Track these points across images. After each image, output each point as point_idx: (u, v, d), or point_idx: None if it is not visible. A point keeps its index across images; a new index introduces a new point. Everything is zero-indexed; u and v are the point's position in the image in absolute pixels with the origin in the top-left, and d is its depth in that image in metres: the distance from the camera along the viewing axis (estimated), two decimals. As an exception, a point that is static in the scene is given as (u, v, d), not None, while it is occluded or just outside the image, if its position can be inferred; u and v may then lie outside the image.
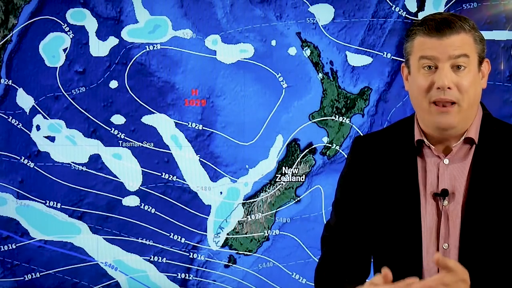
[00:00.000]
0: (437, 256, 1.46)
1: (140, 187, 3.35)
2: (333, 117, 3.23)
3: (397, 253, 1.69)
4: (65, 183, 3.37)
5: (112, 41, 3.32)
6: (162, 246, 3.36)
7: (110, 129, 3.34)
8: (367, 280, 1.78)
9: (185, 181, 3.33)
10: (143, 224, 3.36)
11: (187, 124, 3.31)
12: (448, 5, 3.10)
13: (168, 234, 3.35)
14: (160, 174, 3.33)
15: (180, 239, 3.34)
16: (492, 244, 1.62)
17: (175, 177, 3.33)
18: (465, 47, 1.60)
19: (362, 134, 2.86)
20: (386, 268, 1.48)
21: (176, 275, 3.37)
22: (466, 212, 1.63)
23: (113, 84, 3.33)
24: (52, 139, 3.37)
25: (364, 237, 1.75)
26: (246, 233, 3.33)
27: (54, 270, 3.40)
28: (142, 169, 3.34)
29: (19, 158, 3.38)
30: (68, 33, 3.33)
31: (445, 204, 1.65)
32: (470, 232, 1.63)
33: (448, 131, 1.63)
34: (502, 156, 1.65)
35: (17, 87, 3.36)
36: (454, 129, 1.63)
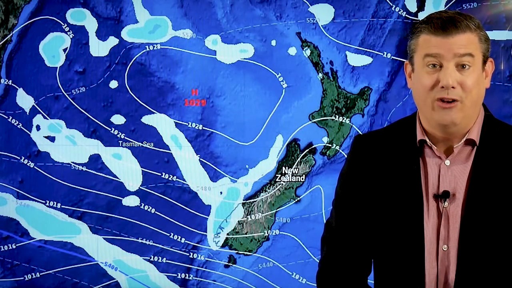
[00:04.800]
0: None
1: (140, 187, 3.35)
2: (333, 117, 3.23)
3: (399, 255, 1.68)
4: (65, 183, 3.37)
5: (112, 41, 3.32)
6: (162, 246, 3.36)
7: (110, 129, 3.34)
8: (368, 279, 1.78)
9: (185, 181, 3.33)
10: (143, 224, 3.36)
11: (187, 124, 3.31)
12: (448, 5, 3.10)
13: (168, 234, 3.35)
14: (160, 174, 3.33)
15: (180, 239, 3.34)
16: (492, 247, 1.62)
17: (175, 177, 3.33)
18: (470, 46, 1.60)
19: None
20: None
21: (176, 275, 3.37)
22: (466, 213, 1.63)
23: (113, 84, 3.33)
24: (52, 139, 3.37)
25: (364, 236, 1.74)
26: (246, 233, 3.32)
27: (54, 270, 3.40)
28: (142, 169, 3.34)
29: (19, 158, 3.37)
30: (68, 33, 3.33)
31: (445, 205, 1.64)
32: (469, 234, 1.62)
33: (450, 128, 1.63)
34: (503, 158, 1.64)
35: (17, 87, 3.36)
36: (456, 127, 1.63)
